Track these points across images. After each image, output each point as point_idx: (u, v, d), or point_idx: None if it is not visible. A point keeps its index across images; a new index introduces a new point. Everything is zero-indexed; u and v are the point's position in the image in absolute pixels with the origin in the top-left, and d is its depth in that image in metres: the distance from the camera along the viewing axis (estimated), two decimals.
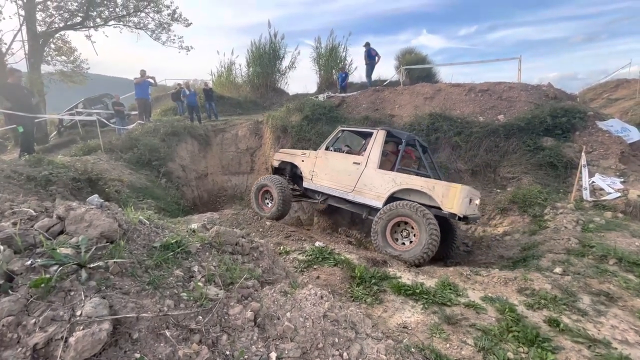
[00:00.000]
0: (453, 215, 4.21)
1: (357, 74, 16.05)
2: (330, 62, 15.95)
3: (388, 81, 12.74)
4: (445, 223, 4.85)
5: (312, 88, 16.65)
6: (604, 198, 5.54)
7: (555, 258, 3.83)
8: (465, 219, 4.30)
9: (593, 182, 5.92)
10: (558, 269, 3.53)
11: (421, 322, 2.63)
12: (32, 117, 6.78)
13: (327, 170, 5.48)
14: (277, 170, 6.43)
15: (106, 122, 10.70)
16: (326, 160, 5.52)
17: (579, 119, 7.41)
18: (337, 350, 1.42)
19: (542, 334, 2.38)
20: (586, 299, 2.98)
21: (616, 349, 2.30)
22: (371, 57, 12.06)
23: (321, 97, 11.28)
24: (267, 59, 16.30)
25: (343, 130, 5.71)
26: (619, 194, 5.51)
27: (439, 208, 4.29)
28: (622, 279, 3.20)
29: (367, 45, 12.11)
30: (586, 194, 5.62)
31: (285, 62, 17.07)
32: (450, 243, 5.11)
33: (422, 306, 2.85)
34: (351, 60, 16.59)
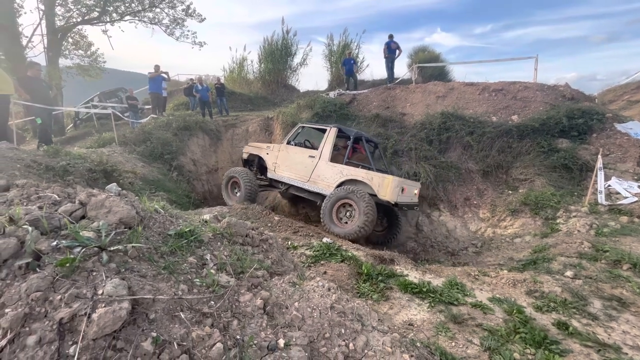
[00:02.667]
0: (388, 202, 4.93)
1: (368, 72, 15.97)
2: (342, 59, 15.90)
3: (400, 79, 12.61)
4: (391, 213, 5.96)
5: (323, 85, 16.66)
6: (619, 202, 5.40)
7: (567, 261, 3.76)
8: (397, 205, 5.01)
9: (609, 185, 5.77)
10: (569, 273, 3.48)
11: (427, 320, 2.64)
12: (50, 109, 6.99)
13: (287, 162, 6.14)
14: (246, 162, 7.11)
15: (120, 115, 10.94)
16: (287, 153, 6.18)
17: (597, 121, 7.21)
18: (344, 340, 1.45)
19: (550, 337, 2.36)
20: (597, 303, 2.93)
21: (627, 354, 2.27)
22: (391, 51, 11.48)
23: (332, 94, 11.26)
24: (278, 56, 16.36)
25: (303, 127, 6.40)
26: (636, 199, 5.37)
27: (383, 199, 4.99)
28: (635, 285, 3.13)
29: (390, 37, 11.46)
30: (601, 198, 5.49)
31: (297, 59, 17.13)
32: (394, 230, 6.01)
33: (428, 304, 2.86)
34: (363, 58, 16.52)
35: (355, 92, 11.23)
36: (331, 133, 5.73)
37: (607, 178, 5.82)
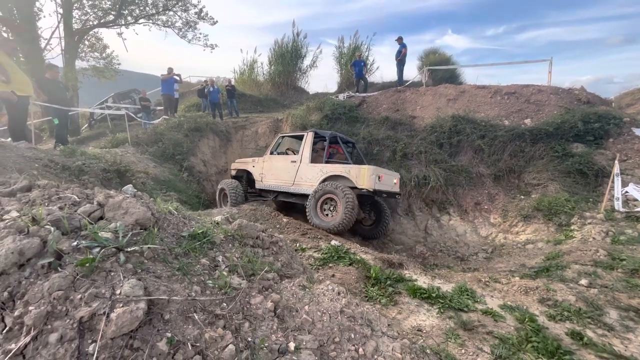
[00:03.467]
0: (368, 191, 5.23)
1: (378, 74, 15.92)
2: (352, 61, 15.91)
3: (410, 82, 12.53)
4: (378, 208, 6.33)
5: (333, 87, 16.69)
6: (637, 209, 5.24)
7: (581, 269, 3.67)
8: (376, 192, 5.32)
9: (626, 192, 5.61)
10: (584, 281, 3.39)
11: (436, 326, 2.61)
12: (66, 110, 7.19)
13: (272, 171, 6.63)
14: (235, 178, 7.58)
15: (134, 116, 11.18)
16: (271, 163, 6.71)
17: (614, 125, 7.02)
18: (353, 345, 1.45)
19: (563, 347, 2.31)
20: (613, 313, 2.85)
21: None
22: (403, 53, 11.49)
23: (341, 96, 11.27)
24: (288, 58, 16.46)
25: (283, 137, 6.96)
26: None
27: (359, 188, 5.29)
28: None
29: (400, 39, 11.49)
30: (618, 205, 5.33)
31: (307, 61, 17.21)
32: (382, 223, 6.30)
33: (437, 310, 2.83)
34: (373, 60, 16.49)
35: (364, 94, 11.22)
36: (308, 137, 6.18)
37: (624, 184, 5.65)
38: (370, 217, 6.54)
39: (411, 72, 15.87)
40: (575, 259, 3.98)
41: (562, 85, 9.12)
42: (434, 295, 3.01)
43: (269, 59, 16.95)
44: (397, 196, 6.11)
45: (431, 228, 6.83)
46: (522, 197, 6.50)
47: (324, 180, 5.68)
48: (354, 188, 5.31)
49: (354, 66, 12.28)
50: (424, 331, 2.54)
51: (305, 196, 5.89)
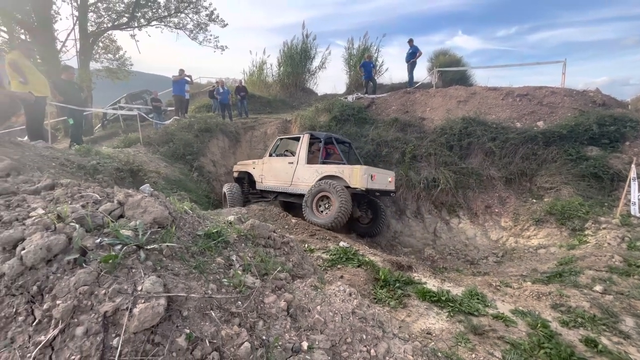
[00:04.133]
0: (360, 190, 5.41)
1: (387, 75, 15.88)
2: (361, 62, 15.90)
3: (420, 83, 12.46)
4: (374, 206, 6.51)
5: (341, 89, 16.71)
6: None
7: (596, 275, 3.60)
8: (369, 191, 5.50)
9: None
10: (598, 287, 3.32)
11: (446, 330, 2.59)
12: (81, 111, 7.36)
13: (271, 173, 6.88)
14: (237, 180, 7.87)
15: (145, 116, 11.39)
16: (270, 164, 6.97)
17: (630, 128, 6.85)
18: (365, 346, 1.46)
19: (577, 354, 2.27)
20: (630, 321, 2.78)
21: None
22: (414, 55, 11.51)
23: (350, 98, 11.27)
24: (298, 59, 16.55)
25: (281, 139, 7.19)
26: None
27: (353, 188, 5.48)
28: None
29: (411, 41, 11.53)
30: (635, 209, 5.20)
31: (316, 63, 17.27)
32: (379, 221, 6.45)
33: (447, 314, 2.81)
34: (382, 62, 16.45)
35: (373, 95, 11.20)
36: (304, 139, 6.40)
37: None
38: (367, 216, 6.70)
39: (421, 73, 15.79)
40: (590, 265, 3.90)
41: (576, 87, 8.97)
42: (443, 298, 2.99)
43: (278, 60, 17.09)
44: (392, 194, 6.30)
45: (440, 231, 6.77)
46: (534, 200, 6.40)
47: (320, 180, 5.87)
48: (348, 187, 5.51)
49: (363, 67, 12.27)
50: (434, 334, 2.52)
51: (302, 196, 6.06)
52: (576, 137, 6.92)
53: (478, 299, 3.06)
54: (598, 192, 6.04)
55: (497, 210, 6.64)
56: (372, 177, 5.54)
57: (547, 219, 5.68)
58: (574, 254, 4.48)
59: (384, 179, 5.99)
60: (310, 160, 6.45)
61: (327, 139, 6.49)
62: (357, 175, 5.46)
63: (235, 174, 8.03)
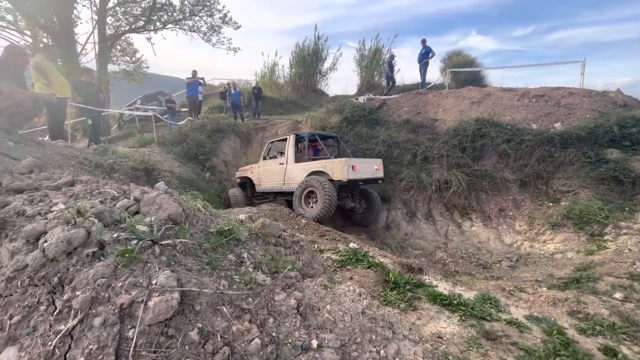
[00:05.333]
0: (342, 181, 5.72)
1: (399, 76, 15.75)
2: (373, 64, 15.84)
3: (432, 84, 12.31)
4: (368, 196, 6.83)
5: (352, 90, 16.67)
6: None
7: (616, 282, 3.47)
8: (352, 181, 5.79)
9: None
10: (618, 295, 3.20)
11: (457, 334, 2.54)
12: (99, 111, 7.60)
13: (266, 175, 7.39)
14: (241, 185, 8.36)
15: (160, 117, 11.65)
16: (264, 167, 7.48)
17: None
18: (375, 347, 1.45)
19: None
20: None
21: None
22: (427, 55, 11.50)
23: (361, 99, 11.23)
24: (309, 61, 16.61)
25: (272, 142, 7.71)
26: None
27: (338, 180, 5.81)
28: None
29: (423, 42, 11.51)
30: None
31: (327, 64, 17.29)
32: (373, 210, 6.76)
33: (459, 318, 2.76)
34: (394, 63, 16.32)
35: (385, 97, 11.13)
36: (290, 139, 6.83)
37: None
38: (361, 206, 7.00)
39: (433, 74, 15.58)
40: (609, 271, 3.77)
41: (596, 87, 8.70)
42: (455, 302, 2.94)
43: (290, 61, 17.20)
44: (379, 181, 6.58)
45: (452, 234, 6.66)
46: (551, 204, 6.22)
47: (308, 177, 6.24)
48: (332, 181, 5.87)
49: (388, 66, 12.34)
50: (445, 338, 2.48)
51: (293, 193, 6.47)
52: (595, 139, 6.70)
53: (491, 303, 2.99)
54: (618, 196, 5.82)
55: (511, 214, 6.49)
56: (353, 168, 5.85)
57: (564, 223, 5.51)
58: (592, 259, 4.33)
59: (369, 168, 6.29)
60: (299, 158, 6.84)
61: (310, 136, 6.86)
62: (338, 168, 5.79)
63: (238, 180, 8.54)
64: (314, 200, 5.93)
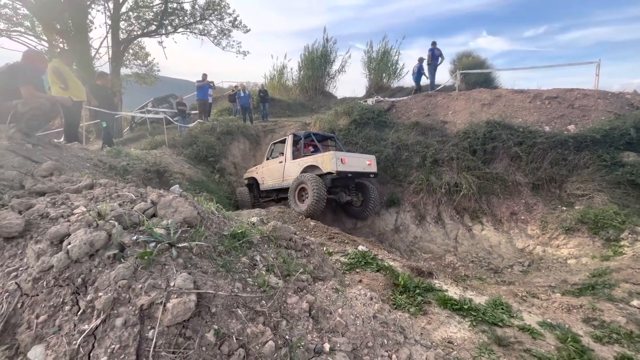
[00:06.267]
0: (330, 173, 6.02)
1: (408, 78, 15.67)
2: (381, 66, 15.81)
3: (442, 86, 12.21)
4: (365, 190, 7.10)
5: (361, 92, 16.66)
6: None
7: (633, 289, 3.37)
8: (341, 173, 6.02)
9: None
10: (636, 302, 3.12)
11: (468, 340, 2.51)
12: (113, 114, 7.78)
13: (269, 174, 7.84)
14: (248, 185, 8.79)
15: (171, 119, 11.85)
16: (267, 167, 7.97)
17: None
18: (386, 351, 1.45)
19: None
20: None
21: None
22: (434, 58, 11.64)
23: (370, 101, 11.22)
24: (318, 63, 16.68)
25: (274, 144, 8.27)
26: None
27: (329, 173, 6.07)
28: None
29: (434, 44, 11.62)
30: None
31: (335, 66, 17.34)
32: (369, 203, 7.01)
33: (469, 323, 2.72)
34: (403, 65, 16.28)
35: (393, 99, 11.10)
36: (289, 139, 7.31)
37: None
38: (358, 198, 7.29)
39: (443, 76, 15.47)
40: (626, 278, 3.67)
41: (611, 88, 8.49)
42: (465, 307, 2.90)
43: (298, 64, 17.30)
44: (371, 175, 6.80)
45: (462, 237, 6.58)
46: (564, 208, 6.09)
47: (304, 171, 6.58)
48: (322, 175, 6.20)
49: (419, 69, 12.35)
50: (455, 344, 2.46)
51: None
52: (611, 141, 6.54)
53: (503, 309, 2.95)
54: (636, 201, 5.67)
55: (523, 218, 6.37)
56: (342, 161, 6.12)
57: (579, 227, 5.38)
58: (608, 265, 4.23)
59: (360, 162, 6.56)
60: (296, 156, 7.22)
61: (306, 135, 7.33)
62: (327, 161, 6.11)
63: (246, 181, 9.01)
64: (307, 196, 6.19)
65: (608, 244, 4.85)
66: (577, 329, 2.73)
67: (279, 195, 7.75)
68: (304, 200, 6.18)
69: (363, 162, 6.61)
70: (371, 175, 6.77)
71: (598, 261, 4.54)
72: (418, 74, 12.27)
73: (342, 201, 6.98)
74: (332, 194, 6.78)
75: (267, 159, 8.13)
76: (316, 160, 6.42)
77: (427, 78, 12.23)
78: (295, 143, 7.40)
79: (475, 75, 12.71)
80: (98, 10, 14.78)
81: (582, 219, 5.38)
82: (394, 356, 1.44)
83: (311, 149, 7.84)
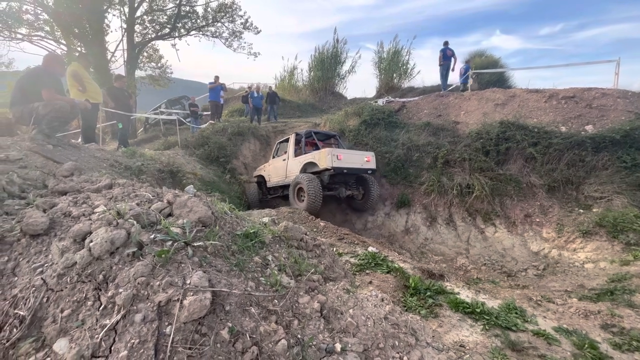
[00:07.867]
0: (327, 169, 6.31)
1: (419, 78, 15.55)
2: (391, 66, 15.72)
3: (454, 86, 12.04)
4: (366, 184, 7.31)
5: (371, 92, 16.61)
6: None
7: None
8: (336, 169, 6.31)
9: None
10: None
11: (480, 344, 2.48)
12: (128, 116, 7.98)
13: (274, 171, 8.23)
14: (258, 183, 9.21)
15: (184, 120, 12.10)
16: (273, 165, 8.35)
17: None
18: (398, 353, 1.45)
19: None
20: None
21: None
22: (446, 58, 11.38)
23: (380, 101, 11.17)
24: (328, 64, 16.71)
25: (279, 143, 8.54)
26: None
27: (326, 169, 6.35)
28: None
29: (446, 44, 11.43)
30: None
31: (346, 67, 17.33)
32: (370, 196, 7.25)
33: (482, 327, 2.68)
34: (414, 65, 16.14)
35: (404, 99, 11.02)
36: (292, 137, 7.69)
37: None
38: (360, 192, 7.53)
39: (454, 76, 15.26)
40: None
41: (631, 87, 8.21)
42: (478, 310, 2.86)
43: (308, 65, 17.40)
44: (369, 172, 7.00)
45: (474, 239, 6.47)
46: (581, 210, 5.92)
47: (304, 168, 6.90)
48: (320, 171, 6.48)
49: (465, 70, 12.09)
50: (467, 347, 2.42)
51: None
52: (631, 142, 6.32)
53: (516, 313, 2.89)
54: None
55: (538, 220, 6.22)
56: (337, 157, 6.36)
57: (596, 231, 5.22)
58: (628, 270, 4.09)
59: (358, 159, 6.80)
60: (298, 154, 7.54)
61: (307, 134, 7.64)
62: (323, 157, 6.36)
63: (255, 179, 9.39)
64: (304, 195, 6.47)
65: (628, 248, 4.69)
66: (594, 335, 2.65)
67: (284, 192, 8.05)
68: (302, 200, 6.46)
69: (361, 159, 6.82)
70: (369, 172, 6.97)
71: (617, 266, 4.40)
72: (465, 76, 11.68)
73: (343, 196, 7.20)
74: (332, 189, 7.08)
75: (273, 157, 8.51)
76: (314, 157, 6.68)
77: (472, 80, 11.83)
78: (297, 141, 7.68)
79: (488, 74, 12.50)
80: (114, 15, 15.20)
81: (601, 222, 5.22)
82: (405, 358, 1.43)
83: (312, 147, 8.02)
